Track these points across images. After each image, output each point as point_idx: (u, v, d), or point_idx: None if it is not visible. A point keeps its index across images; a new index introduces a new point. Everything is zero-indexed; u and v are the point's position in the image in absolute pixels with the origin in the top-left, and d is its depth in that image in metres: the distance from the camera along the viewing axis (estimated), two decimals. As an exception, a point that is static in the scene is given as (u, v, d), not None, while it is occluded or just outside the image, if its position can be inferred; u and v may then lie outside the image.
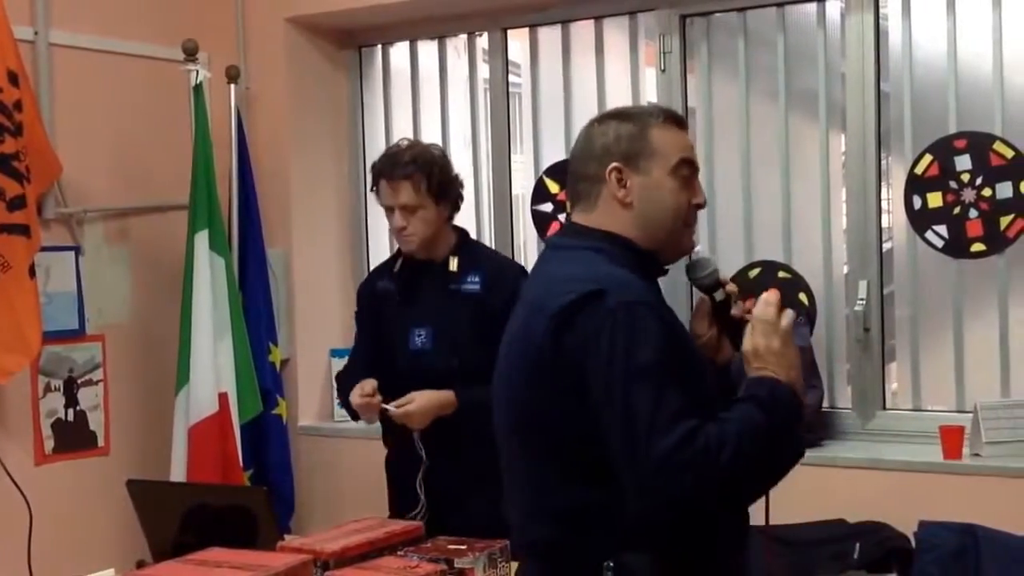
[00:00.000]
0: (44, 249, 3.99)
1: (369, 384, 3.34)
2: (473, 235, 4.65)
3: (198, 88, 4.24)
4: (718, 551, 2.11)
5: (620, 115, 2.24)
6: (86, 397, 4.23)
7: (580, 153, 2.23)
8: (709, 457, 1.90)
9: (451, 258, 3.43)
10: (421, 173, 3.35)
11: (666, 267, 2.24)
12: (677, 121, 2.23)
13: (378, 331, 3.54)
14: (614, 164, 2.15)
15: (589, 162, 2.19)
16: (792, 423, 2.04)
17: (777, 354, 2.04)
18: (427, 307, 3.43)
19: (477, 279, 3.39)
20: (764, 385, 2.02)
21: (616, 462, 1.97)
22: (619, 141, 2.17)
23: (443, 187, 3.39)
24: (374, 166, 3.46)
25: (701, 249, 4.21)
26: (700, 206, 2.21)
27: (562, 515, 2.10)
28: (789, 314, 2.09)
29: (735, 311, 2.22)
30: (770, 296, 2.11)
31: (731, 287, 2.24)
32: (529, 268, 4.33)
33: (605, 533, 2.04)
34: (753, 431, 1.95)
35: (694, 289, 2.20)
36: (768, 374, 2.03)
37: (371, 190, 3.51)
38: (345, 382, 3.54)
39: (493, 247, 4.63)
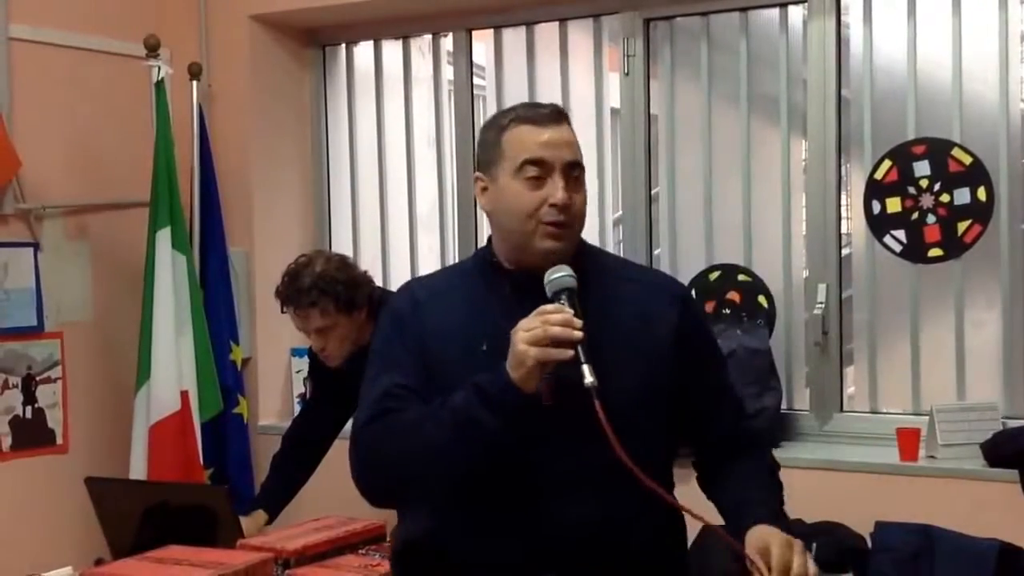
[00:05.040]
0: (2, 245, 3.98)
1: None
2: (436, 237, 4.71)
3: (160, 85, 4.22)
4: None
5: (489, 121, 2.21)
6: (44, 394, 4.20)
7: None
8: (382, 437, 2.04)
9: None
10: (326, 296, 3.34)
11: (529, 269, 2.10)
12: (534, 119, 2.12)
13: (332, 392, 3.64)
14: (476, 174, 2.19)
15: None
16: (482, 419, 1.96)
17: (513, 346, 1.95)
18: None
19: None
20: (484, 375, 1.98)
21: None
22: (481, 150, 2.19)
23: (351, 300, 3.38)
24: (279, 292, 3.42)
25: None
26: (555, 205, 2.06)
27: None
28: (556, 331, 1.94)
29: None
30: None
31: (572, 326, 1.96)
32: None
33: None
34: (433, 419, 1.99)
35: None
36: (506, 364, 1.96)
37: (281, 312, 3.47)
38: (296, 430, 3.75)
39: (454, 254, 4.67)
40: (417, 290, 2.21)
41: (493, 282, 2.15)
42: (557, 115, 2.13)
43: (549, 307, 1.96)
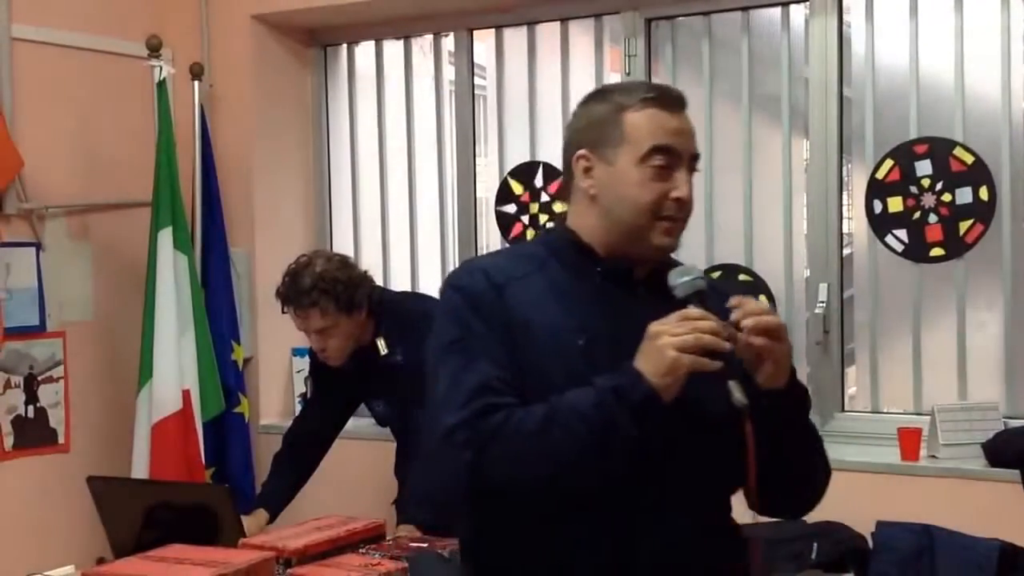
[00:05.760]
0: (4, 245, 3.98)
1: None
2: (437, 237, 4.71)
3: (162, 85, 4.23)
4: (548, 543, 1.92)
5: (599, 95, 2.03)
6: (46, 394, 4.20)
7: (564, 139, 2.07)
8: (497, 438, 1.81)
9: (377, 340, 3.49)
10: (326, 296, 3.35)
11: (625, 260, 1.99)
12: (663, 101, 1.96)
13: (333, 391, 3.68)
14: (580, 152, 1.99)
15: (565, 149, 2.04)
16: (616, 425, 1.80)
17: (659, 351, 1.80)
18: (374, 384, 3.58)
19: (399, 354, 3.45)
20: (616, 377, 1.82)
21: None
22: (590, 126, 1.99)
23: (351, 300, 3.39)
24: (279, 292, 3.44)
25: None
26: (680, 200, 1.94)
27: None
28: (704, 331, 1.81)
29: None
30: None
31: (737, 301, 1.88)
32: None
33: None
34: (562, 424, 1.80)
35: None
36: (638, 368, 1.81)
37: (282, 312, 3.49)
38: (297, 429, 3.76)
39: (454, 254, 4.67)
40: (493, 273, 1.96)
41: (579, 270, 1.98)
42: (683, 102, 2.00)
43: (694, 312, 1.83)
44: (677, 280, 1.89)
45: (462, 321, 1.92)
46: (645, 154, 1.92)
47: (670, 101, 1.97)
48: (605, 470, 1.82)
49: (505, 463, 1.82)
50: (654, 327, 1.82)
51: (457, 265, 4.56)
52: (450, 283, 1.99)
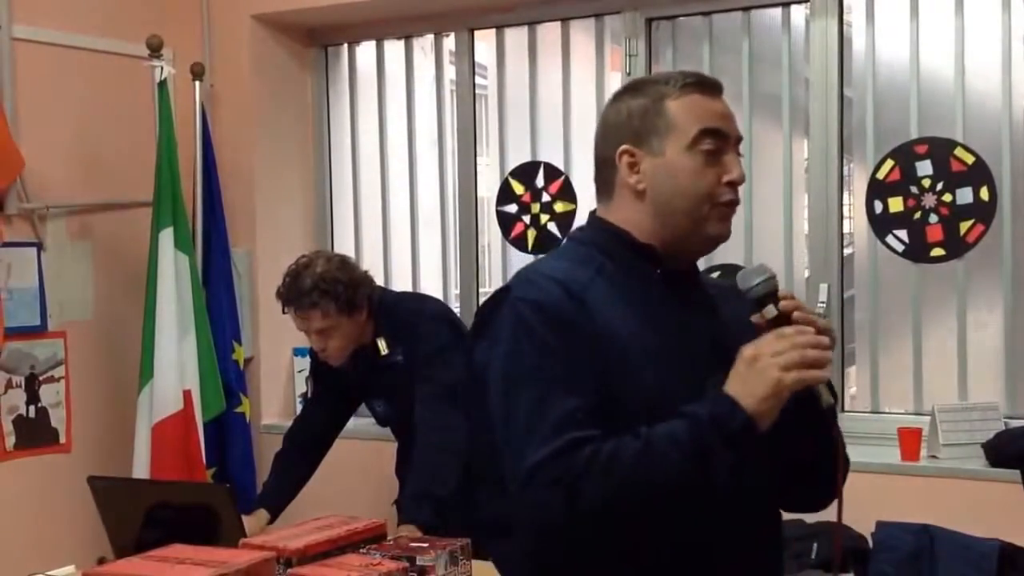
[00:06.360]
0: (5, 245, 3.98)
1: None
2: (437, 237, 4.71)
3: (163, 85, 4.23)
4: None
5: (634, 88, 1.96)
6: (48, 394, 4.20)
7: (596, 137, 1.98)
8: (588, 474, 1.69)
9: (378, 340, 3.50)
10: (327, 298, 3.36)
11: (688, 259, 1.96)
12: (703, 86, 1.91)
13: (334, 391, 3.70)
14: (624, 147, 1.90)
15: (601, 146, 1.96)
16: (719, 461, 1.71)
17: (761, 373, 1.72)
18: (374, 384, 3.59)
19: (400, 354, 3.47)
20: (711, 405, 1.73)
21: (501, 465, 1.80)
22: (630, 119, 1.91)
23: (351, 301, 3.40)
24: (279, 292, 3.45)
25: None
26: (734, 183, 1.88)
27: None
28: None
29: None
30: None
31: (788, 302, 1.80)
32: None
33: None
34: (658, 457, 1.70)
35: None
36: (733, 394, 1.72)
37: (283, 313, 3.50)
38: (298, 428, 3.77)
39: (455, 254, 4.67)
40: (567, 281, 1.84)
41: (636, 271, 1.90)
42: (721, 87, 1.94)
43: (788, 330, 1.74)
44: (752, 281, 1.82)
45: (539, 340, 1.79)
46: (694, 138, 1.87)
47: (709, 86, 1.93)
48: (698, 499, 1.74)
49: (599, 499, 1.70)
50: (749, 350, 1.74)
51: (458, 265, 4.66)
52: (518, 296, 1.84)
